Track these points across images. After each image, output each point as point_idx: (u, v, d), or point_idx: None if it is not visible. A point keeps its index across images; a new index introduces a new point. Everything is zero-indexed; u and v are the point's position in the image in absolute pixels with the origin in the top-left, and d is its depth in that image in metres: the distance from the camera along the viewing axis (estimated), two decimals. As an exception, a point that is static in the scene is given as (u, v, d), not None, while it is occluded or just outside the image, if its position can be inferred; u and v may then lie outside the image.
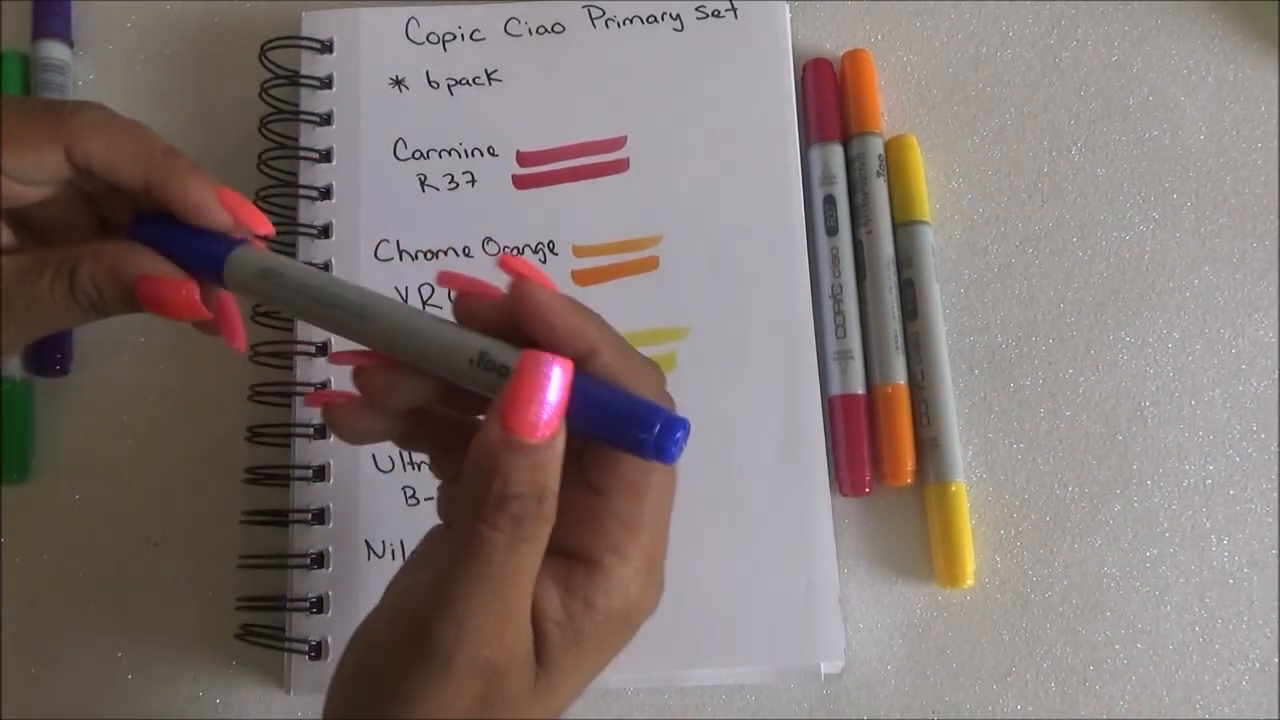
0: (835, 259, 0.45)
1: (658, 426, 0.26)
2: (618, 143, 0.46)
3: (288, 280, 0.30)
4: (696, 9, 0.48)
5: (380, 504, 0.42)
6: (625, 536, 0.28)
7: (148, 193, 0.30)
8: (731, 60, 0.47)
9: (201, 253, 0.31)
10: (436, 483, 0.42)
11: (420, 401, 0.30)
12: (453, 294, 0.29)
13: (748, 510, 0.42)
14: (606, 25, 0.48)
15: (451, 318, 0.29)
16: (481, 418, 0.28)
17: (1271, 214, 0.47)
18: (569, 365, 0.26)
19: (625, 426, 0.27)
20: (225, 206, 0.31)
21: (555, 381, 0.26)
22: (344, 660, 0.29)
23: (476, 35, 0.48)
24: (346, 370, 0.31)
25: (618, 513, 0.28)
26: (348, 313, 0.29)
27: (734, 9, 0.48)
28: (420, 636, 0.26)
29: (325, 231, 0.45)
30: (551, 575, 0.28)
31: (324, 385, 0.43)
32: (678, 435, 0.26)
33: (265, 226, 0.32)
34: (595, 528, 0.28)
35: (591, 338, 0.28)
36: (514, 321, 0.28)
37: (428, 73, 0.47)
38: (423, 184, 0.46)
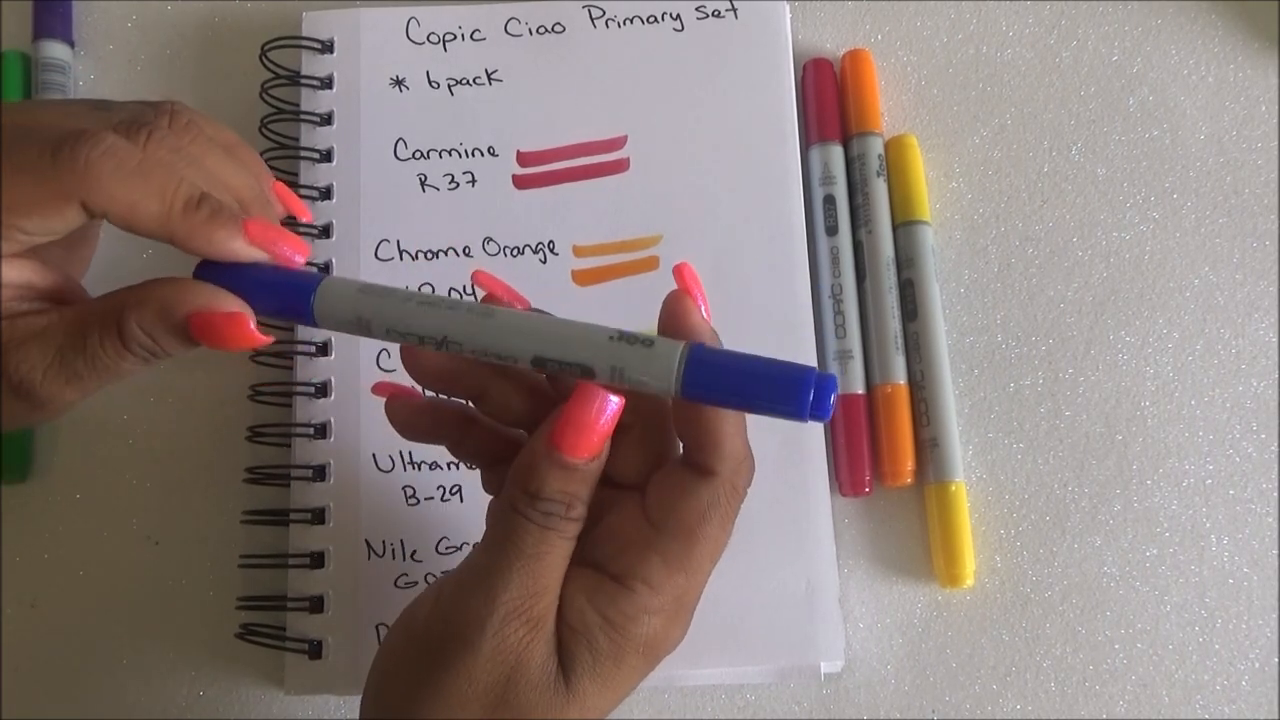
0: (835, 259, 0.45)
1: (812, 390, 0.26)
2: (618, 143, 0.46)
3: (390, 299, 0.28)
4: (696, 9, 0.48)
5: (380, 504, 0.42)
6: (663, 573, 0.29)
7: (170, 243, 0.28)
8: (731, 60, 0.47)
9: (279, 290, 0.29)
10: (437, 484, 0.43)
11: (446, 431, 0.32)
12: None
13: (748, 510, 0.42)
14: (606, 25, 0.48)
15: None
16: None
17: (1271, 214, 0.47)
18: (621, 401, 0.28)
19: (778, 392, 0.27)
20: (255, 243, 0.29)
21: (607, 413, 0.28)
22: (386, 642, 0.31)
23: (477, 35, 0.48)
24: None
25: (664, 550, 0.29)
26: (470, 311, 0.28)
27: (734, 9, 0.48)
28: (456, 612, 0.28)
29: (326, 231, 0.45)
30: (581, 587, 0.29)
31: (325, 385, 0.43)
32: (831, 396, 0.27)
33: (302, 249, 0.31)
34: (639, 557, 0.29)
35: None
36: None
37: (428, 73, 0.47)
38: (423, 184, 0.46)
